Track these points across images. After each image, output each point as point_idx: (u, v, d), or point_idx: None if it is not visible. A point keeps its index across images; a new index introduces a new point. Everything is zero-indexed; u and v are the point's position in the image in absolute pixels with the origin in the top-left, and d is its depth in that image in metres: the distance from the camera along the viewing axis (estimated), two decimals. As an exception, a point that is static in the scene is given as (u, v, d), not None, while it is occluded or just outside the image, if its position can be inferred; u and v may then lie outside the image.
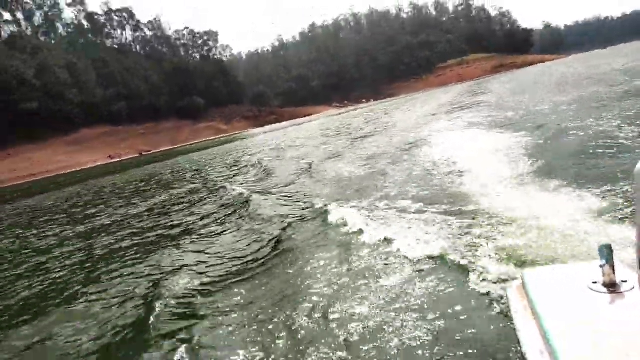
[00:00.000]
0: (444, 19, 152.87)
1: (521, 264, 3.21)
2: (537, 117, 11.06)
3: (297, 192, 8.62)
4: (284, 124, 76.30)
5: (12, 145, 59.33)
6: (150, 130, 75.16)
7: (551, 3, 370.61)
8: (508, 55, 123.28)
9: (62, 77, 67.99)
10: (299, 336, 3.07)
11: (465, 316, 2.89)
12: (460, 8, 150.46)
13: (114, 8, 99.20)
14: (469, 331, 2.72)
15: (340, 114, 67.50)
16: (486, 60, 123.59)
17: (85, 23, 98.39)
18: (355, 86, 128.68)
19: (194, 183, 14.56)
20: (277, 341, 3.08)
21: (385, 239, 4.49)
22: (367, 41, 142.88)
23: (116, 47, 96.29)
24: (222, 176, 14.94)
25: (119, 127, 71.88)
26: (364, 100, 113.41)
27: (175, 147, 66.75)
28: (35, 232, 10.70)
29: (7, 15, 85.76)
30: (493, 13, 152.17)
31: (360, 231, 4.92)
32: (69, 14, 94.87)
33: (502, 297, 2.86)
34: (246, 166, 16.69)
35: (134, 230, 8.25)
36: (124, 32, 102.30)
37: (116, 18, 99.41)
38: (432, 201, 5.55)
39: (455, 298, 3.13)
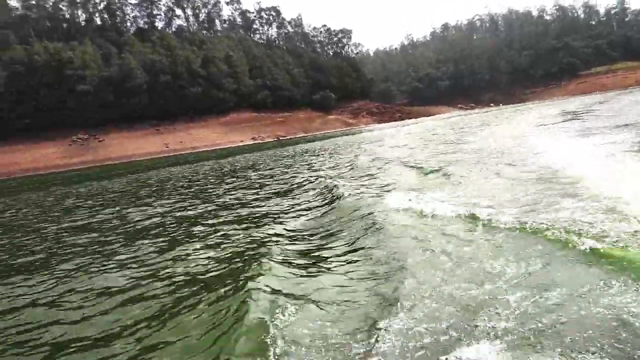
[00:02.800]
0: (593, 22, 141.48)
1: None
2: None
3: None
4: (406, 121, 79.23)
5: (178, 122, 71.33)
6: (287, 118, 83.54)
7: None
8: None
9: (221, 68, 79.13)
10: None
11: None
12: (613, 11, 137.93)
13: (264, 7, 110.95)
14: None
15: (463, 115, 68.88)
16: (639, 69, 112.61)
17: (238, 19, 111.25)
18: (486, 89, 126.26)
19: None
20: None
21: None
22: (503, 43, 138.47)
23: (263, 41, 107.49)
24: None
25: (261, 114, 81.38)
26: (492, 104, 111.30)
27: (307, 134, 73.55)
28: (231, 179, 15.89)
29: (178, 11, 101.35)
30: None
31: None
32: (226, 11, 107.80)
33: None
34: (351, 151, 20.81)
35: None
36: (269, 28, 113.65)
37: (265, 15, 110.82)
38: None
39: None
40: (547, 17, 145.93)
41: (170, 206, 10.25)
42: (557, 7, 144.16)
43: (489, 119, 37.46)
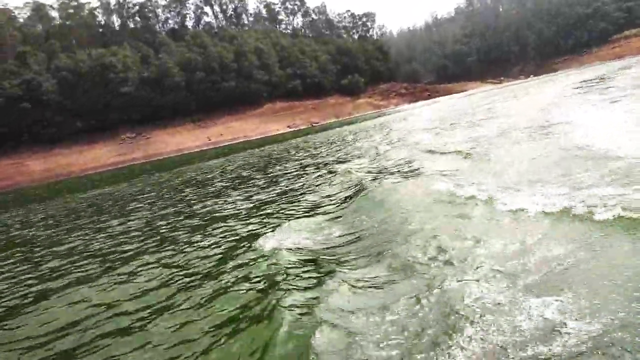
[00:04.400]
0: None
1: None
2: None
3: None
4: (428, 101, 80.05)
5: (216, 116, 74.80)
6: (318, 105, 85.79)
7: None
8: None
9: (252, 61, 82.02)
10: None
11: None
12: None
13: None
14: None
15: (494, 89, 69.48)
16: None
17: (263, 11, 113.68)
18: (515, 61, 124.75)
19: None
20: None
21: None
22: (530, 13, 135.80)
23: (289, 31, 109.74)
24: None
25: (294, 102, 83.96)
26: (522, 76, 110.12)
27: (340, 119, 75.54)
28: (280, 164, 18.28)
29: (206, 9, 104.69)
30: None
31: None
32: (252, 4, 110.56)
33: None
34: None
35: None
36: (294, 18, 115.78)
37: (289, 6, 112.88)
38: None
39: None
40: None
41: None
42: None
43: (519, 91, 38.65)
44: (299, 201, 8.24)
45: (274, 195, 9.46)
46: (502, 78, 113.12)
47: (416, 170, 8.60)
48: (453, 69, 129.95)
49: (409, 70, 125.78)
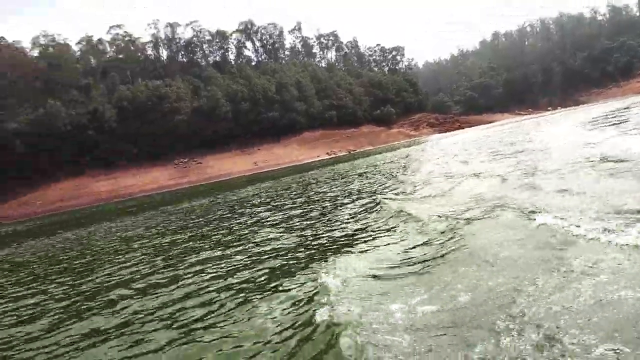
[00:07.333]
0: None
1: None
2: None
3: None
4: (461, 131, 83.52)
5: (260, 143, 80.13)
6: (353, 133, 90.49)
7: None
8: None
9: (293, 93, 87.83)
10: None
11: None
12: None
13: (322, 33, 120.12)
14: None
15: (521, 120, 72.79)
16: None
17: (299, 45, 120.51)
18: (541, 93, 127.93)
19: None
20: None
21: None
22: (555, 46, 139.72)
23: (324, 65, 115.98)
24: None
25: (330, 131, 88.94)
26: (549, 108, 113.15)
27: (375, 147, 79.55)
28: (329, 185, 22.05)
29: (247, 43, 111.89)
30: None
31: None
32: (289, 39, 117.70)
33: None
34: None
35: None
36: (328, 52, 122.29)
37: (324, 40, 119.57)
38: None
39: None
40: (600, 18, 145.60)
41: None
42: (610, 6, 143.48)
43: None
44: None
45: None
46: (530, 109, 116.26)
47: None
48: (480, 100, 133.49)
49: (437, 102, 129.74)
